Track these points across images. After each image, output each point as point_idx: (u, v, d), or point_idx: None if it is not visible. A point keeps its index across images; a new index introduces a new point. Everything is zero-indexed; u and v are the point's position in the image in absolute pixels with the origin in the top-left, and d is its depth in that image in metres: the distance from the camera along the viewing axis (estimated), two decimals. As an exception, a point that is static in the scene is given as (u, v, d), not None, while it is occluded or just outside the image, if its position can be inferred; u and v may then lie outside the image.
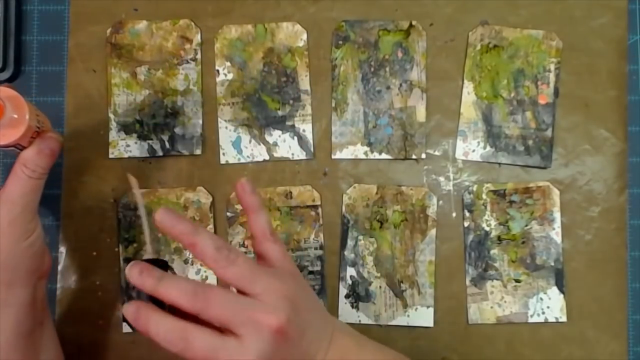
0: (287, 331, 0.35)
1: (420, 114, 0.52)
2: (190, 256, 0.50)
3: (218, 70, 0.52)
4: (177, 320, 0.34)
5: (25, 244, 0.40)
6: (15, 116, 0.39)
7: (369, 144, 0.51)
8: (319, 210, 0.51)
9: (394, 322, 0.50)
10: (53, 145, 0.41)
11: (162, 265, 0.38)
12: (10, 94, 0.39)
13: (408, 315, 0.50)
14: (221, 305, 0.34)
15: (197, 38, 0.52)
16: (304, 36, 0.52)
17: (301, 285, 0.39)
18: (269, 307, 0.35)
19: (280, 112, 0.51)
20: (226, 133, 0.51)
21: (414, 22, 0.52)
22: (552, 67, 0.52)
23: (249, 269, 0.36)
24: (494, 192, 0.51)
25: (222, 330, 0.35)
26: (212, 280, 0.50)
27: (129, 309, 0.35)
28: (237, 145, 0.51)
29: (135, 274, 0.35)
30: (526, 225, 0.51)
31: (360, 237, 0.51)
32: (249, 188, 0.39)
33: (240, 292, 0.36)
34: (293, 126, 0.51)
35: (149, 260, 0.37)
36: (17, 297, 0.40)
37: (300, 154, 0.51)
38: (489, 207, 0.51)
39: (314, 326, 0.38)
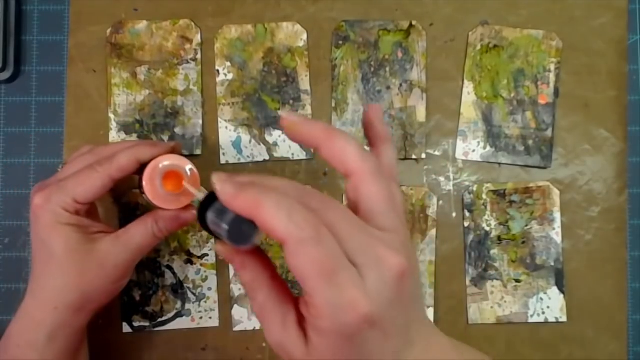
0: (406, 280, 0.30)
1: (420, 114, 0.52)
2: (191, 257, 0.50)
3: (218, 70, 0.52)
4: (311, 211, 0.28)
5: (114, 286, 0.42)
6: (189, 189, 0.38)
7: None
8: (319, 210, 0.51)
9: (394, 322, 0.50)
10: (187, 219, 0.42)
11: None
12: (192, 168, 0.40)
13: (408, 315, 0.50)
14: (345, 222, 0.29)
15: (197, 38, 0.52)
16: (304, 36, 0.52)
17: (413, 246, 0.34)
18: (396, 247, 0.30)
19: (280, 112, 0.51)
20: (226, 133, 0.51)
21: (414, 22, 0.52)
22: (552, 67, 0.52)
23: (389, 196, 0.31)
24: (494, 192, 0.51)
25: None
26: (212, 280, 0.50)
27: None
28: (237, 145, 0.51)
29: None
30: (526, 225, 0.51)
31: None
32: (381, 115, 0.35)
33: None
34: (293, 126, 0.51)
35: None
36: (78, 323, 0.41)
37: (300, 154, 0.51)
38: (489, 207, 0.51)
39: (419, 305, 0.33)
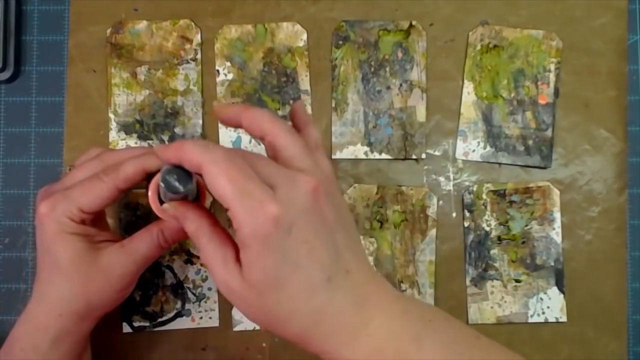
0: (321, 196, 0.33)
1: (420, 114, 0.52)
2: (191, 257, 0.50)
3: (218, 70, 0.52)
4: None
5: (119, 295, 0.42)
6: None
7: (369, 144, 0.51)
8: (319, 210, 0.51)
9: (394, 322, 0.50)
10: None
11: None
12: (199, 180, 0.39)
13: (408, 315, 0.50)
14: (261, 160, 0.34)
15: (197, 38, 0.52)
16: (304, 36, 0.52)
17: (339, 192, 0.38)
18: (309, 173, 0.34)
19: (280, 112, 0.51)
20: (226, 133, 0.51)
21: (414, 22, 0.52)
22: (552, 67, 0.52)
23: (304, 146, 0.36)
24: (494, 192, 0.51)
25: None
26: (212, 280, 0.50)
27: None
28: (237, 145, 0.51)
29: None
30: (526, 225, 0.51)
31: (360, 237, 0.51)
32: (303, 107, 0.41)
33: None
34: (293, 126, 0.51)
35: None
36: (82, 329, 0.41)
37: (300, 154, 0.51)
38: (489, 207, 0.51)
39: (348, 237, 0.35)
